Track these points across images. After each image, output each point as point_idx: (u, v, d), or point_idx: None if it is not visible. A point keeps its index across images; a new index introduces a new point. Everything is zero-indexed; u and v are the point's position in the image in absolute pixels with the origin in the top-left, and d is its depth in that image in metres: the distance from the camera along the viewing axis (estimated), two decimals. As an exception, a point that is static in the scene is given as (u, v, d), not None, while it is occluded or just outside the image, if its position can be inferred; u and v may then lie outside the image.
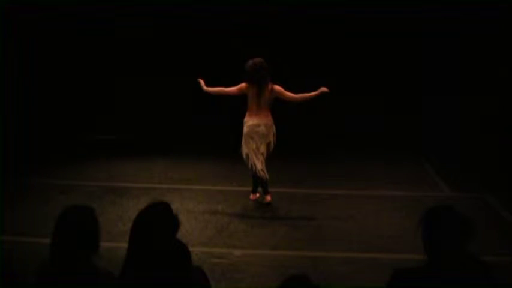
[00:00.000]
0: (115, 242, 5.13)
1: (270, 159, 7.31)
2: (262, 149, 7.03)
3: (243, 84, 7.04)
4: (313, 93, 6.99)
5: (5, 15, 9.81)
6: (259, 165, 6.99)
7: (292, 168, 8.92)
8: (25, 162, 9.05)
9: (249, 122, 7.01)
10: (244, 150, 7.04)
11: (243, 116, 7.10)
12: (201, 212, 6.94)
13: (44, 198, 7.29)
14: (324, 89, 6.96)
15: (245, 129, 7.02)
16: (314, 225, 6.59)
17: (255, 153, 6.99)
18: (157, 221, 2.96)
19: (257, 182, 7.28)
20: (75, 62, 11.14)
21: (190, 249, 3.08)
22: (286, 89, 7.03)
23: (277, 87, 7.01)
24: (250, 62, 6.97)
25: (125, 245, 2.99)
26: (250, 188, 7.43)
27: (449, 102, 10.48)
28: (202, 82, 7.18)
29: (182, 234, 3.05)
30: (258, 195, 7.37)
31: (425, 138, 10.21)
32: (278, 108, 7.18)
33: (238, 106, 7.36)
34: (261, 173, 7.01)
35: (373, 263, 5.44)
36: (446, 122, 10.42)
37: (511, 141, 9.60)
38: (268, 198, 7.27)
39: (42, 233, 4.13)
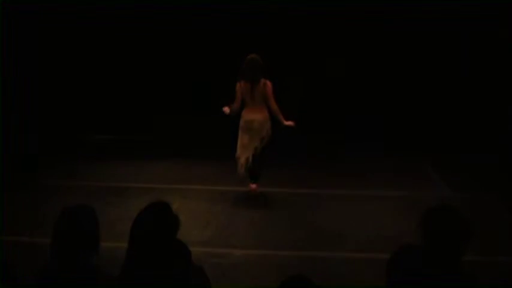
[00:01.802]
0: (115, 242, 5.11)
1: (270, 158, 7.43)
2: (256, 143, 7.27)
3: (237, 86, 7.31)
4: (281, 119, 7.20)
5: (5, 14, 9.82)
6: (242, 160, 7.32)
7: (292, 168, 8.92)
8: (25, 162, 9.04)
9: (245, 117, 7.32)
10: (238, 142, 7.39)
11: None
12: (201, 212, 6.95)
13: (44, 198, 7.29)
14: (290, 123, 7.17)
15: (241, 122, 7.36)
16: (314, 225, 6.59)
17: (244, 147, 7.31)
18: (157, 221, 2.97)
19: (250, 171, 7.44)
20: (75, 61, 11.15)
21: (190, 249, 3.08)
22: (274, 93, 7.23)
23: (269, 85, 7.23)
24: (246, 58, 7.24)
25: (124, 245, 2.99)
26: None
27: (449, 101, 10.50)
28: (226, 110, 7.43)
29: (182, 234, 3.04)
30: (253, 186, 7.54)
31: (426, 138, 10.21)
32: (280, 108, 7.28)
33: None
34: (241, 168, 7.35)
35: (373, 263, 5.43)
36: (447, 121, 10.44)
37: (511, 140, 9.60)
38: (250, 186, 7.52)
39: (42, 233, 4.13)
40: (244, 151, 7.32)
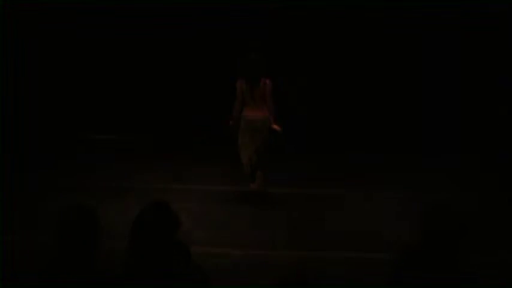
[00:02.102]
0: (115, 242, 5.12)
1: (271, 158, 7.43)
2: (258, 143, 7.31)
3: (238, 85, 7.33)
4: (272, 120, 7.29)
5: (5, 15, 9.82)
6: (245, 159, 7.36)
7: (292, 168, 8.92)
8: (25, 162, 9.05)
9: (246, 116, 7.33)
10: (239, 141, 7.41)
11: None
12: (201, 212, 6.95)
13: (44, 198, 7.29)
14: (277, 127, 7.27)
15: (242, 122, 7.36)
16: (314, 225, 6.60)
17: (245, 146, 7.34)
18: (157, 221, 2.97)
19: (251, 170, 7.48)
20: (76, 61, 11.13)
21: (190, 249, 3.09)
22: (273, 91, 7.30)
23: (269, 84, 7.27)
24: (247, 57, 7.28)
25: (125, 245, 2.99)
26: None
27: (450, 101, 10.48)
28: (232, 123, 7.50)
29: (182, 234, 3.05)
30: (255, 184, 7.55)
31: (425, 137, 10.21)
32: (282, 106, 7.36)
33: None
34: (244, 167, 7.41)
35: (373, 263, 5.44)
36: (446, 120, 10.42)
37: (511, 140, 9.61)
38: (251, 186, 7.50)
39: (42, 233, 4.14)
40: (246, 151, 7.33)
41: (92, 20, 10.83)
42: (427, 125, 10.48)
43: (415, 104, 10.68)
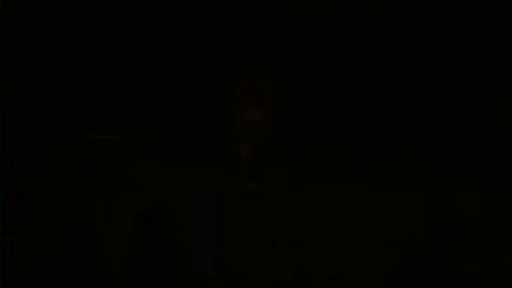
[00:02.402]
0: (115, 242, 5.12)
1: (271, 158, 7.46)
2: (258, 141, 7.36)
3: (238, 85, 7.39)
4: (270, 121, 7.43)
5: (5, 15, 9.82)
6: (245, 159, 7.43)
7: (293, 168, 8.93)
8: (25, 162, 9.05)
9: (247, 117, 7.37)
10: (239, 141, 7.49)
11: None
12: (202, 213, 6.95)
13: (44, 198, 7.29)
14: (272, 128, 7.40)
15: (242, 122, 7.41)
16: (314, 224, 6.60)
17: (246, 146, 7.41)
18: (158, 221, 2.97)
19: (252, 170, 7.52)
20: (76, 61, 11.12)
21: (191, 249, 3.09)
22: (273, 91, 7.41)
23: (269, 84, 7.35)
24: (245, 57, 7.31)
25: (125, 245, 2.99)
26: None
27: (450, 100, 10.48)
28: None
29: (183, 234, 3.05)
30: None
31: (425, 137, 10.21)
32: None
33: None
34: (245, 167, 7.46)
35: (372, 263, 5.44)
36: (446, 120, 10.42)
37: (511, 140, 9.61)
38: (251, 186, 7.54)
39: (42, 233, 4.14)
40: (246, 150, 7.35)
41: (92, 20, 10.84)
42: (427, 124, 10.49)
43: (415, 103, 10.69)
